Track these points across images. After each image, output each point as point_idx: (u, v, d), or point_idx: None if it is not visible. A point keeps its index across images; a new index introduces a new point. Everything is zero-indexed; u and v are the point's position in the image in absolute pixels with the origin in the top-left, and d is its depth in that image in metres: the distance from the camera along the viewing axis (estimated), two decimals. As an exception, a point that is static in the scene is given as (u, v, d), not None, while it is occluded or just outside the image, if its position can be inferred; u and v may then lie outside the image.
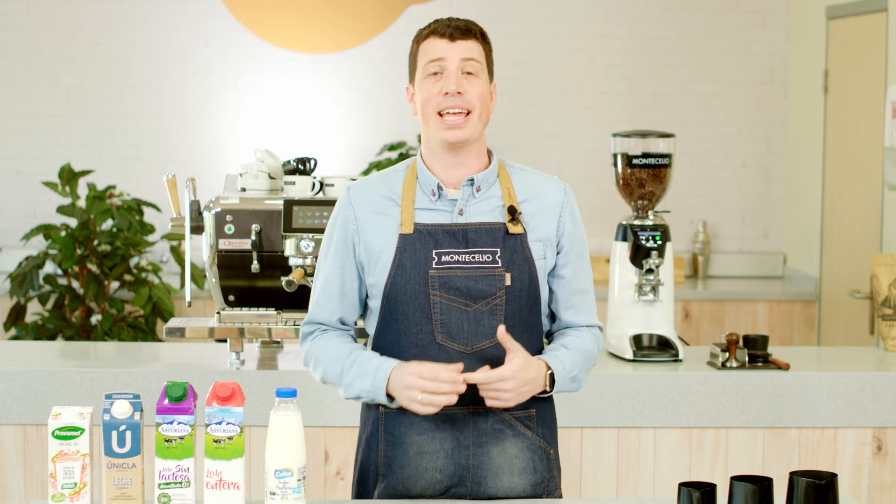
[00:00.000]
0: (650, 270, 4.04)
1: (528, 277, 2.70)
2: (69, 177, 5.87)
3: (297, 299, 3.94)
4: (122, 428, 2.52)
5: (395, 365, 2.64)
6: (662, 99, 6.89)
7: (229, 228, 3.90)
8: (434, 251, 2.68)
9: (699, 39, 6.88)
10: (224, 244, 3.91)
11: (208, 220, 3.91)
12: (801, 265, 6.67)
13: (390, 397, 2.66)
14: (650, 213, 4.13)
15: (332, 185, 3.94)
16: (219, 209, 3.91)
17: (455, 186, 2.74)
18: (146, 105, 6.79)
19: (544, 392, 2.70)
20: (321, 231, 3.76)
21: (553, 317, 2.83)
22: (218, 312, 3.93)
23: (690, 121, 6.88)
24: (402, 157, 6.60)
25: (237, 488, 2.53)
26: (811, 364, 4.08)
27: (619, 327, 4.07)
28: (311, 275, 3.81)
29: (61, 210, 5.84)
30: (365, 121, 6.86)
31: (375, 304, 2.74)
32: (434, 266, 2.68)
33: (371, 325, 2.78)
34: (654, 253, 4.03)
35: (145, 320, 5.75)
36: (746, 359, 3.94)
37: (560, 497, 2.80)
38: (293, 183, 3.94)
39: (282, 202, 3.86)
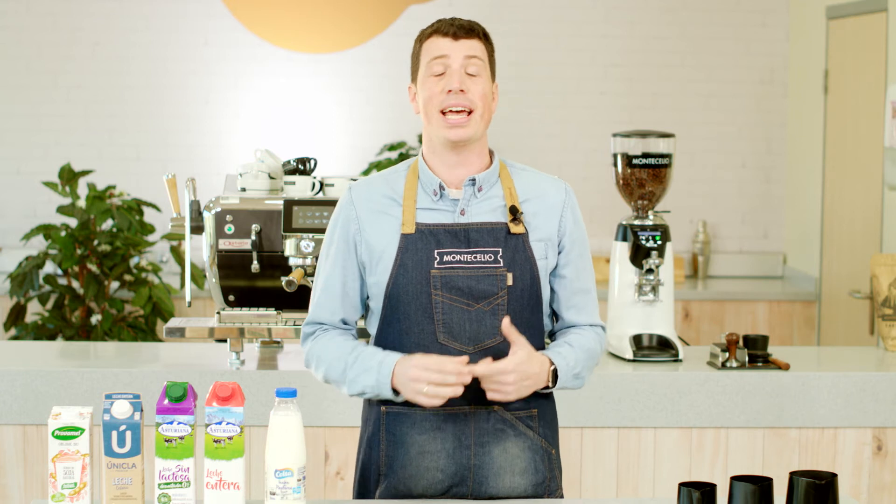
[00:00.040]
0: (650, 270, 4.04)
1: (529, 277, 2.70)
2: (69, 177, 5.87)
3: (297, 299, 3.94)
4: (122, 428, 2.52)
5: (399, 359, 2.64)
6: (662, 99, 6.89)
7: (229, 228, 3.90)
8: (436, 251, 2.69)
9: (699, 39, 6.88)
10: (224, 244, 3.91)
11: (208, 220, 3.91)
12: (801, 265, 6.67)
13: (395, 392, 2.65)
14: (650, 213, 4.13)
15: (332, 185, 3.94)
16: (219, 209, 3.91)
17: (457, 186, 2.74)
18: (146, 105, 6.79)
19: (546, 388, 2.70)
20: (321, 231, 3.76)
21: (556, 316, 2.84)
22: (218, 312, 3.93)
23: (690, 121, 6.88)
24: (402, 157, 6.60)
25: (237, 488, 2.53)
26: (811, 364, 4.08)
27: (619, 327, 4.07)
28: (311, 275, 3.81)
29: (61, 210, 5.84)
30: (365, 121, 6.86)
31: (377, 304, 2.74)
32: (436, 266, 2.68)
33: (372, 325, 2.78)
34: (654, 253, 4.03)
35: (145, 320, 5.75)
36: (746, 359, 3.94)
37: (561, 497, 2.80)
38: (293, 183, 3.94)
39: (282, 202, 3.86)
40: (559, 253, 2.77)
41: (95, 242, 5.82)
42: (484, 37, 2.74)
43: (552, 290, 2.79)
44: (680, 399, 3.86)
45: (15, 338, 5.83)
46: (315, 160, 4.02)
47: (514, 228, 2.72)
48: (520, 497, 2.75)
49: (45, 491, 3.79)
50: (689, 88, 6.90)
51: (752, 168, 6.94)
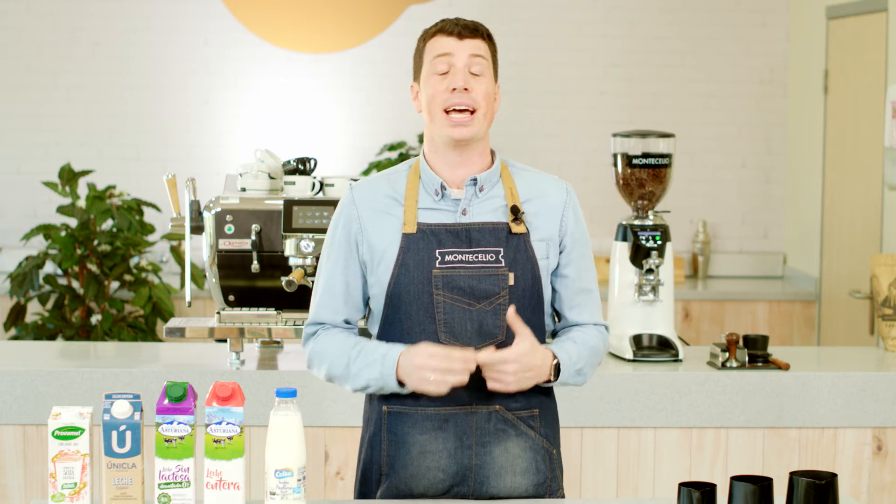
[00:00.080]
0: (650, 270, 4.04)
1: (531, 277, 2.71)
2: (69, 177, 5.87)
3: (297, 299, 3.94)
4: (122, 428, 2.52)
5: (403, 350, 2.64)
6: (662, 99, 6.89)
7: (229, 228, 3.90)
8: (437, 251, 2.69)
9: (699, 39, 6.88)
10: (224, 244, 3.91)
11: (208, 220, 3.91)
12: (801, 265, 6.67)
13: (400, 384, 2.65)
14: (650, 213, 4.13)
15: (332, 185, 3.94)
16: (219, 209, 3.91)
17: (458, 186, 2.74)
18: (146, 105, 6.79)
19: (548, 381, 2.70)
20: (321, 231, 3.76)
21: (558, 316, 2.84)
22: (218, 312, 3.93)
23: (690, 121, 6.88)
24: (402, 157, 6.60)
25: (237, 488, 2.53)
26: (811, 364, 4.08)
27: (619, 327, 4.07)
28: (311, 275, 3.81)
29: (61, 210, 5.84)
30: (365, 121, 6.86)
31: (378, 303, 2.74)
32: (437, 266, 2.68)
33: (374, 325, 2.78)
34: (654, 253, 4.03)
35: (145, 320, 5.75)
36: (746, 359, 3.94)
37: (562, 497, 2.80)
38: (293, 183, 3.94)
39: (282, 202, 3.86)
40: (561, 252, 2.77)
41: (95, 242, 5.82)
42: (488, 37, 2.75)
43: (554, 289, 2.79)
44: (680, 399, 3.86)
45: (15, 338, 5.83)
46: (315, 160, 4.02)
47: (516, 228, 2.72)
48: (521, 497, 2.75)
49: (45, 491, 3.79)
50: (689, 88, 6.90)
51: (752, 168, 6.94)
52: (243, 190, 3.98)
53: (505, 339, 2.68)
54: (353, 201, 2.76)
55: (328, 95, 6.86)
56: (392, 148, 6.66)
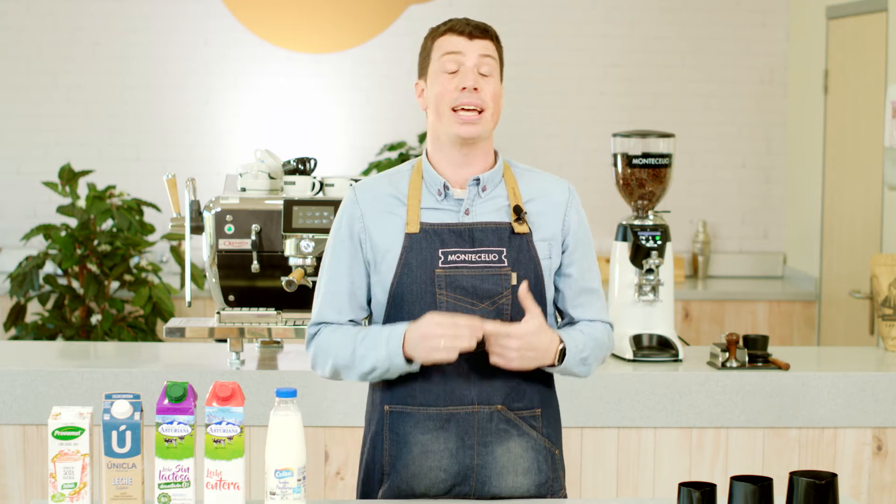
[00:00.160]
0: (650, 270, 4.04)
1: (533, 277, 2.71)
2: (69, 177, 5.87)
3: (298, 299, 3.94)
4: (122, 428, 2.52)
5: (408, 326, 2.64)
6: (662, 99, 6.89)
7: (229, 228, 3.90)
8: (440, 250, 2.69)
9: (699, 39, 6.88)
10: (224, 244, 3.91)
11: (208, 220, 3.91)
12: (801, 265, 6.67)
13: (408, 361, 2.65)
14: (650, 213, 4.13)
15: (332, 185, 3.94)
16: (219, 209, 3.91)
17: (461, 186, 2.74)
18: (146, 105, 6.79)
19: (552, 366, 2.70)
20: (321, 231, 3.76)
21: (562, 315, 2.84)
22: (218, 312, 3.93)
23: (690, 121, 6.88)
24: (402, 157, 6.60)
25: (237, 488, 2.53)
26: (811, 364, 4.08)
27: (619, 327, 4.07)
28: (311, 275, 3.81)
29: (61, 210, 5.84)
30: (365, 121, 6.86)
31: (381, 303, 2.74)
32: (440, 265, 2.68)
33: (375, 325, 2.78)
34: (654, 253, 4.03)
35: (145, 320, 5.75)
36: (746, 359, 3.94)
37: (565, 497, 2.80)
38: (293, 183, 3.94)
39: (282, 202, 3.86)
40: (563, 252, 2.78)
41: (95, 242, 5.82)
42: (496, 39, 2.76)
43: (558, 289, 2.80)
44: (680, 399, 3.86)
45: (15, 338, 5.83)
46: (315, 160, 4.02)
47: (518, 228, 2.72)
48: (522, 497, 2.75)
49: (45, 491, 3.79)
50: (689, 88, 6.90)
51: (752, 168, 6.94)
52: (243, 190, 3.98)
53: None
54: (356, 200, 2.76)
55: (328, 95, 6.86)
56: (392, 148, 6.66)
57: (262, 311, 3.94)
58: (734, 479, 2.44)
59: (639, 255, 4.04)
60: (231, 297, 3.96)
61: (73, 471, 2.51)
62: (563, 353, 2.69)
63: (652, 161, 4.09)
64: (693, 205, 6.91)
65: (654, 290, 4.04)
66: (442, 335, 2.58)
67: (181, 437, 2.53)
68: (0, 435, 3.81)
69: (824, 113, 6.33)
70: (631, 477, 3.89)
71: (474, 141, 2.71)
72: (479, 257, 2.70)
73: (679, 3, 6.86)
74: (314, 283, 3.81)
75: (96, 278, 5.79)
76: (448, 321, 2.60)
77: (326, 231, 3.75)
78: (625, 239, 4.08)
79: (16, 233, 6.66)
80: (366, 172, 6.55)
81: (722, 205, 6.94)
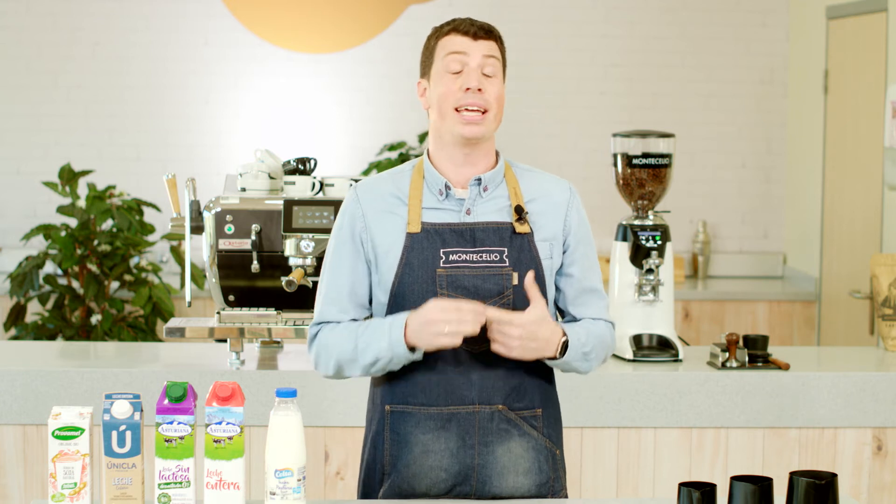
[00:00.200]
0: (650, 270, 4.04)
1: (535, 277, 2.71)
2: (69, 177, 5.87)
3: (298, 299, 3.94)
4: (122, 428, 2.52)
5: (409, 314, 2.64)
6: (662, 99, 6.89)
7: (229, 228, 3.90)
8: (442, 250, 2.69)
9: (699, 39, 6.88)
10: (224, 244, 3.91)
11: (208, 220, 3.91)
12: (801, 265, 6.67)
13: (411, 349, 2.64)
14: (650, 213, 4.13)
15: (332, 185, 3.94)
16: (219, 209, 3.91)
17: (462, 186, 2.74)
18: (146, 105, 6.79)
19: (553, 358, 2.69)
20: (321, 231, 3.76)
21: (563, 315, 2.84)
22: (218, 312, 3.93)
23: (690, 121, 6.88)
24: (402, 157, 6.60)
25: (237, 488, 2.53)
26: (811, 364, 4.08)
27: (619, 327, 4.07)
28: (311, 275, 3.81)
29: (61, 210, 5.84)
30: (365, 121, 6.86)
31: (382, 302, 2.74)
32: (442, 265, 2.68)
33: (377, 325, 2.78)
34: (654, 253, 4.03)
35: (145, 320, 5.75)
36: (746, 359, 3.94)
37: (566, 497, 2.80)
38: (293, 183, 3.94)
39: (282, 202, 3.86)
40: (564, 252, 2.78)
41: (95, 242, 5.83)
42: (500, 40, 2.75)
43: (559, 289, 2.79)
44: (680, 399, 3.86)
45: (15, 338, 5.83)
46: (315, 160, 4.02)
47: (520, 228, 2.72)
48: (523, 497, 2.75)
49: (45, 491, 3.79)
50: (689, 88, 6.90)
51: (752, 168, 6.94)
52: (243, 190, 3.98)
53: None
54: (358, 200, 2.76)
55: (328, 95, 6.86)
56: (392, 148, 6.66)
57: (262, 311, 3.94)
58: (734, 479, 2.44)
59: (639, 255, 4.04)
60: (231, 297, 3.96)
61: (73, 471, 2.51)
62: (565, 346, 2.68)
63: (652, 161, 4.09)
64: (693, 205, 6.91)
65: (654, 290, 4.04)
66: (446, 320, 2.58)
67: (181, 437, 2.53)
68: (0, 435, 3.81)
69: (824, 113, 6.33)
70: (631, 477, 3.89)
71: (477, 141, 2.71)
72: (481, 257, 2.70)
73: (679, 3, 6.87)
74: (314, 283, 3.81)
75: (96, 278, 5.79)
76: (451, 306, 2.59)
77: (326, 231, 3.75)
78: (625, 239, 4.08)
79: (16, 233, 6.66)
80: (366, 172, 6.55)
81: (722, 205, 6.95)
